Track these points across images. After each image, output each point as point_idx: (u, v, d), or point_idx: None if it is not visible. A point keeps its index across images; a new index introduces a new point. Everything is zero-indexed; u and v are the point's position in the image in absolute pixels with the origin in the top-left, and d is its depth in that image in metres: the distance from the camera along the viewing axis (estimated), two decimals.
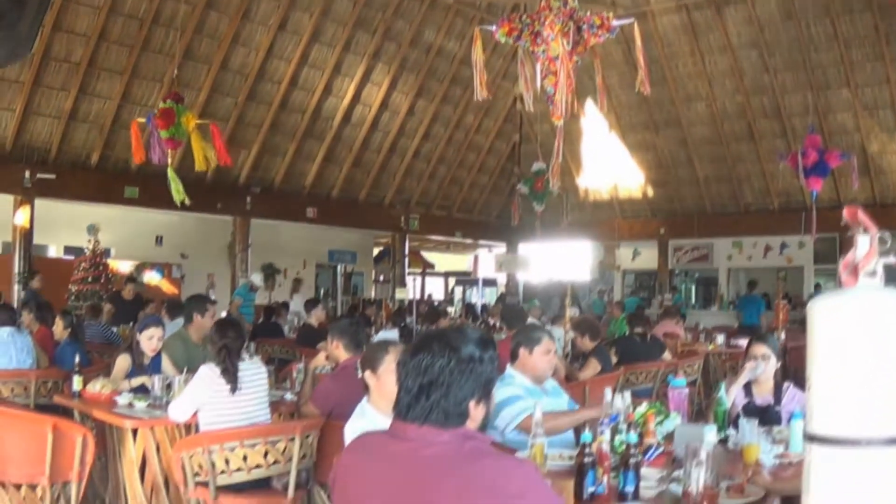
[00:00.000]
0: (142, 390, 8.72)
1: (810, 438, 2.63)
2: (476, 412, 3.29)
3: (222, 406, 7.30)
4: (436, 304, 35.12)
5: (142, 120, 16.80)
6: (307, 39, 25.38)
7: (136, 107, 22.34)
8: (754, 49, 26.91)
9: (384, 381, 5.82)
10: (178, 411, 7.40)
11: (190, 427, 7.82)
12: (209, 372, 7.34)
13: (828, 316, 2.61)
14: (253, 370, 7.61)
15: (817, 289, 28.41)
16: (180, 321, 11.67)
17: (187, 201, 16.69)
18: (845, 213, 2.72)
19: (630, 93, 26.76)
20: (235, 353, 7.47)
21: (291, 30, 25.08)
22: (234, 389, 7.32)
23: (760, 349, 7.44)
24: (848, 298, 2.61)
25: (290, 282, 31.95)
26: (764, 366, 7.38)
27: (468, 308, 30.84)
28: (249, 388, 7.47)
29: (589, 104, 28.90)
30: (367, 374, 6.03)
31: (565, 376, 10.94)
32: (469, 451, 3.15)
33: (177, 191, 16.55)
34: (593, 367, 11.74)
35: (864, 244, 2.67)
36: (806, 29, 25.69)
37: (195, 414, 7.40)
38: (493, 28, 11.98)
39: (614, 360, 12.99)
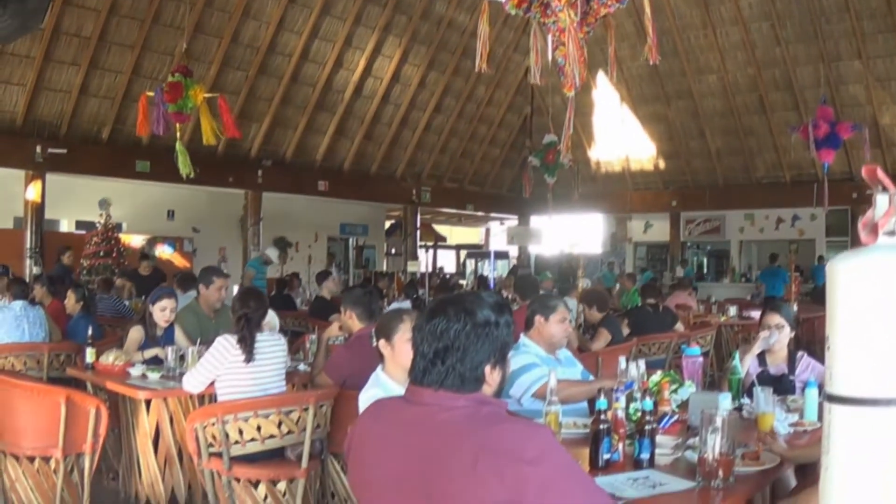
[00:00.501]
0: (155, 362, 8.73)
1: (830, 399, 2.62)
2: (492, 377, 3.28)
3: (239, 377, 7.29)
4: (447, 276, 35.15)
5: (151, 93, 16.76)
6: (318, 12, 25.33)
7: (146, 80, 22.28)
8: (766, 21, 26.84)
9: (399, 349, 5.81)
10: (193, 382, 7.40)
11: (203, 398, 7.82)
12: (226, 343, 7.33)
13: (848, 275, 2.59)
14: (271, 342, 7.60)
15: (820, 261, 28.33)
16: (192, 294, 11.68)
17: (192, 174, 16.68)
18: (864, 171, 2.70)
19: (642, 65, 26.72)
20: (255, 324, 7.47)
21: (302, 3, 25.02)
22: (248, 360, 7.31)
23: (774, 318, 7.42)
24: (868, 257, 2.59)
25: (302, 255, 31.96)
26: (778, 335, 7.36)
27: (480, 280, 30.81)
28: (267, 359, 7.46)
29: (600, 77, 28.86)
30: (382, 342, 6.02)
31: (578, 348, 10.94)
32: (485, 415, 3.14)
33: (184, 164, 16.53)
34: (604, 337, 11.74)
35: (884, 203, 2.64)
36: (817, 1, 25.60)
37: (209, 385, 7.40)
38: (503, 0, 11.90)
39: (626, 331, 12.98)
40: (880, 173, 2.62)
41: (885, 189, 2.62)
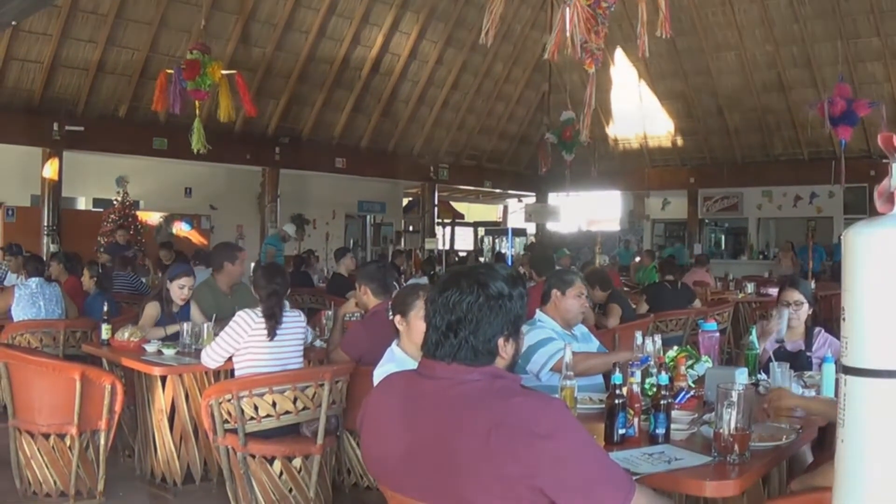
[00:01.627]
0: (173, 338, 8.74)
1: (846, 370, 2.59)
2: (505, 350, 3.26)
3: (259, 352, 7.29)
4: (462, 255, 35.26)
5: (170, 71, 16.76)
6: None
7: (164, 57, 22.26)
8: None
9: (414, 325, 5.80)
10: (212, 357, 7.39)
11: (219, 374, 7.82)
12: (246, 317, 7.33)
13: (864, 245, 2.56)
14: (292, 318, 7.60)
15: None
16: (208, 270, 11.67)
17: (203, 149, 16.71)
18: (880, 139, 2.67)
19: (660, 42, 26.62)
20: (281, 299, 7.49)
21: None
22: (272, 335, 7.32)
23: (794, 295, 7.40)
24: (884, 227, 2.56)
25: (320, 232, 32.01)
26: (795, 312, 7.35)
27: (498, 257, 30.82)
28: (287, 335, 7.46)
29: (618, 53, 28.77)
30: (398, 318, 6.02)
31: (594, 324, 10.94)
32: (499, 389, 3.13)
33: (197, 139, 16.57)
34: (616, 312, 11.76)
35: None
36: None
37: (227, 361, 7.40)
38: None
39: (645, 307, 12.99)
40: None
41: None
